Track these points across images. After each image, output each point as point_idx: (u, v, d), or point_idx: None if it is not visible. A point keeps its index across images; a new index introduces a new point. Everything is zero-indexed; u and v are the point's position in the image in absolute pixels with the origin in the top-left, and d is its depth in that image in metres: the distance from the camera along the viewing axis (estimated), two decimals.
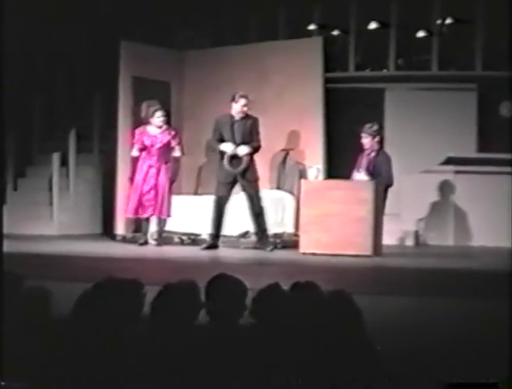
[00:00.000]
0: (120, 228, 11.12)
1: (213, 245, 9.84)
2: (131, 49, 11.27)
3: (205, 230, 10.59)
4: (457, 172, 11.19)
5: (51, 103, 12.85)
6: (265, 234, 9.83)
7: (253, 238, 10.25)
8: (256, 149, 9.72)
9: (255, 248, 10.02)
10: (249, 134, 9.70)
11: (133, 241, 10.66)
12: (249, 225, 10.22)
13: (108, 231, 11.55)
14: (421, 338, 5.71)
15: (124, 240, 10.90)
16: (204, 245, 9.87)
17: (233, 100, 9.72)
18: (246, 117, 9.75)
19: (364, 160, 9.53)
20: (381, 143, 9.64)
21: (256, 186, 9.82)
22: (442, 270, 8.24)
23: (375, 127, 9.56)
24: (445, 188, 11.21)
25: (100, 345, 3.82)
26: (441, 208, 11.20)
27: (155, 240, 10.26)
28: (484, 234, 10.80)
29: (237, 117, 9.74)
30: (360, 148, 9.60)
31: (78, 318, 3.93)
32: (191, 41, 12.40)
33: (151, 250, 10.01)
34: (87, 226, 12.07)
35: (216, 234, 9.87)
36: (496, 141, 11.22)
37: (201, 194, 11.09)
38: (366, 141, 9.52)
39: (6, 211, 11.72)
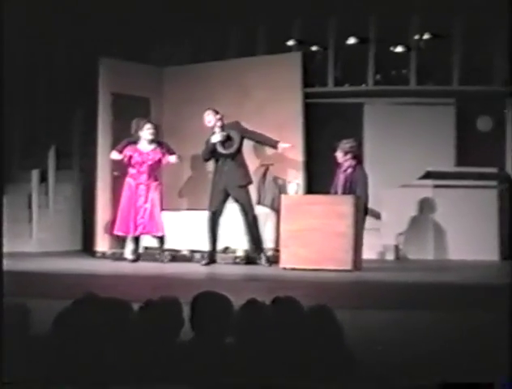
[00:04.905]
0: (100, 245, 11.09)
1: (212, 261, 9.88)
2: (110, 65, 11.27)
3: (185, 246, 10.60)
4: (436, 186, 11.23)
5: (30, 119, 12.82)
6: (259, 247, 9.88)
7: (233, 254, 10.27)
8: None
9: (235, 263, 10.07)
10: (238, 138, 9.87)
11: (113, 257, 10.64)
12: (229, 241, 10.23)
13: (87, 248, 11.51)
14: (402, 352, 5.72)
15: (104, 256, 10.87)
16: (204, 262, 9.89)
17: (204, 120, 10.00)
18: (226, 126, 9.90)
19: (341, 177, 9.56)
20: (356, 159, 9.62)
21: (247, 194, 9.92)
22: (423, 284, 8.25)
23: (349, 144, 9.58)
24: (424, 202, 11.25)
25: (80, 362, 3.80)
26: (420, 222, 11.24)
27: (161, 257, 10.23)
28: (464, 248, 10.84)
29: (216, 130, 9.88)
30: (338, 164, 9.64)
31: (58, 335, 3.91)
32: (170, 57, 12.41)
33: (133, 266, 9.97)
34: (67, 243, 12.03)
35: (213, 249, 9.92)
36: (474, 155, 11.29)
37: (182, 210, 11.08)
38: (339, 155, 9.58)
39: None
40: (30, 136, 12.73)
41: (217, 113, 9.96)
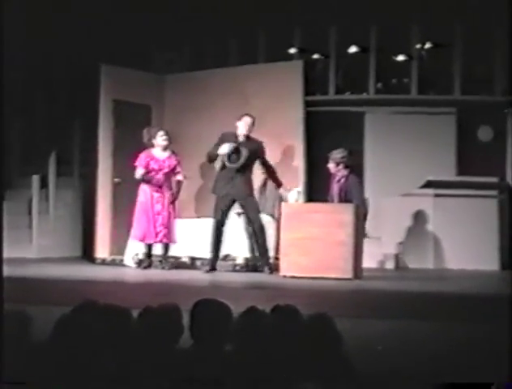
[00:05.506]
0: (100, 252, 11.08)
1: (213, 269, 9.84)
2: (112, 72, 11.29)
3: (185, 253, 10.59)
4: (437, 195, 11.23)
5: (31, 125, 12.82)
6: (266, 256, 9.84)
7: (233, 261, 10.27)
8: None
9: (235, 271, 10.07)
10: (253, 154, 9.74)
11: (115, 264, 10.65)
12: (230, 248, 10.22)
13: (87, 254, 11.51)
14: (402, 361, 5.71)
15: (104, 263, 10.87)
16: (206, 269, 9.85)
17: (239, 119, 9.80)
18: (250, 139, 9.78)
19: (335, 187, 9.56)
20: (348, 168, 9.58)
21: (254, 203, 9.88)
22: (423, 293, 8.24)
23: (340, 154, 9.56)
24: (425, 211, 11.24)
25: (79, 368, 3.79)
26: (421, 231, 11.23)
27: (162, 264, 10.20)
28: (464, 257, 10.83)
29: (241, 137, 9.76)
30: (331, 175, 9.63)
31: (57, 342, 3.90)
32: (172, 65, 12.42)
33: (134, 273, 9.98)
34: (67, 249, 12.01)
35: (216, 257, 9.88)
36: (475, 164, 11.30)
37: (184, 218, 11.07)
38: (331, 166, 9.59)
39: None
40: (31, 142, 12.73)
41: (253, 124, 9.82)
